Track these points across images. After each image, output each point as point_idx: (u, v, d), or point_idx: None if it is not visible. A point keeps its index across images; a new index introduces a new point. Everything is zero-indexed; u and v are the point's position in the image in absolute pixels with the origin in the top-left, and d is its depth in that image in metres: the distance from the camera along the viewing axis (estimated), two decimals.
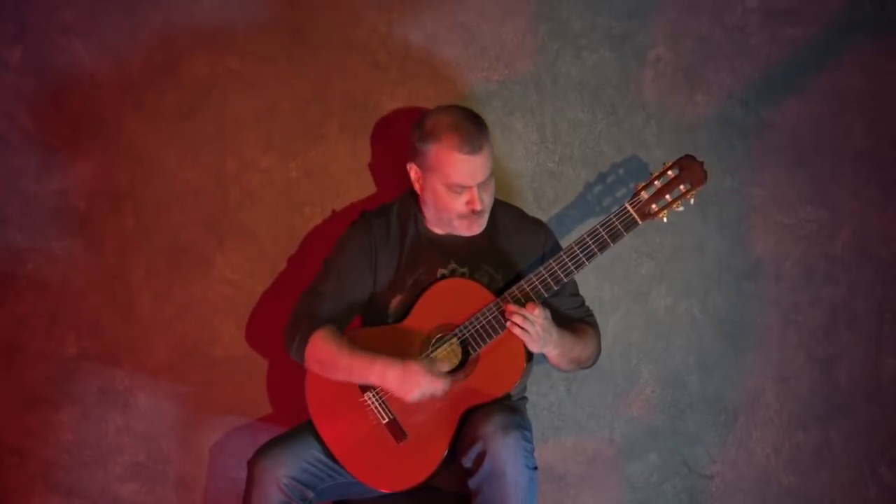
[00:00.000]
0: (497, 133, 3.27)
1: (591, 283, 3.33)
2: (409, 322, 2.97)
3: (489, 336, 2.90)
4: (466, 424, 2.88)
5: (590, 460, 3.45)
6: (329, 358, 2.93)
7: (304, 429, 3.00)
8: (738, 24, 3.34)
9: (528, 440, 2.83)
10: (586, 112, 3.35)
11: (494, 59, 3.33)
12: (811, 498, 3.46)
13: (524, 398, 3.15)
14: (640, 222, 2.89)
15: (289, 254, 3.36)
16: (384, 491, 2.96)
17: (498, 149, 3.24)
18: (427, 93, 3.31)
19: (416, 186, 2.98)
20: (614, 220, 2.89)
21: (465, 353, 2.93)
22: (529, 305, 2.85)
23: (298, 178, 3.35)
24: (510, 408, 2.91)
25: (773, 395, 3.44)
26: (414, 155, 2.95)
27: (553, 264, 2.90)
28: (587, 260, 2.89)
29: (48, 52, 3.29)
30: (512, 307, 2.86)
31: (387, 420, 2.94)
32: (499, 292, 2.93)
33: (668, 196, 2.89)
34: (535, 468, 2.83)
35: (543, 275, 2.90)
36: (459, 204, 2.92)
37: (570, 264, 2.90)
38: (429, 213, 3.00)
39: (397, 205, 3.08)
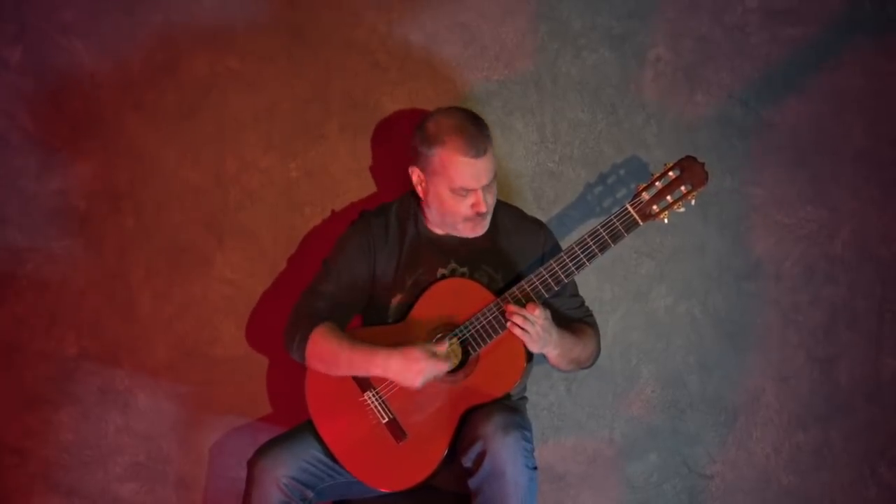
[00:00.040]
0: (497, 133, 3.27)
1: (592, 283, 3.33)
2: (408, 322, 2.97)
3: (489, 336, 2.90)
4: (466, 424, 2.88)
5: (590, 460, 3.45)
6: (330, 354, 2.93)
7: (304, 429, 3.00)
8: (738, 24, 3.34)
9: (528, 440, 2.83)
10: (586, 112, 3.35)
11: (494, 59, 3.33)
12: (811, 498, 3.46)
13: (524, 398, 3.15)
14: (640, 223, 2.89)
15: (289, 254, 3.36)
16: (384, 490, 2.96)
17: (498, 149, 3.24)
18: (427, 93, 3.31)
19: (419, 190, 2.98)
20: (615, 220, 2.89)
21: (466, 353, 2.93)
22: (530, 306, 2.85)
23: (298, 178, 3.35)
24: (510, 408, 2.91)
25: (773, 395, 3.44)
26: (416, 159, 2.95)
27: (553, 265, 2.90)
28: (588, 260, 2.89)
29: (48, 52, 3.29)
30: (512, 307, 2.86)
31: (386, 420, 2.94)
32: (499, 292, 2.93)
33: (669, 197, 2.89)
34: (535, 468, 2.83)
35: (544, 275, 2.90)
36: (465, 207, 2.92)
37: (570, 265, 2.90)
38: (432, 215, 3.00)
39: (397, 205, 3.08)
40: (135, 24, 3.29)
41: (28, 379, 3.38)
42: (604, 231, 2.89)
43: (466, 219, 2.94)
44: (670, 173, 2.89)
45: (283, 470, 2.87)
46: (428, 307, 2.96)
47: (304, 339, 2.95)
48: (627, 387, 3.43)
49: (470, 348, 2.92)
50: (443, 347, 2.87)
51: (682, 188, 2.89)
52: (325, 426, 2.98)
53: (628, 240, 2.92)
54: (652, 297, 3.41)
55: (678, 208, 2.90)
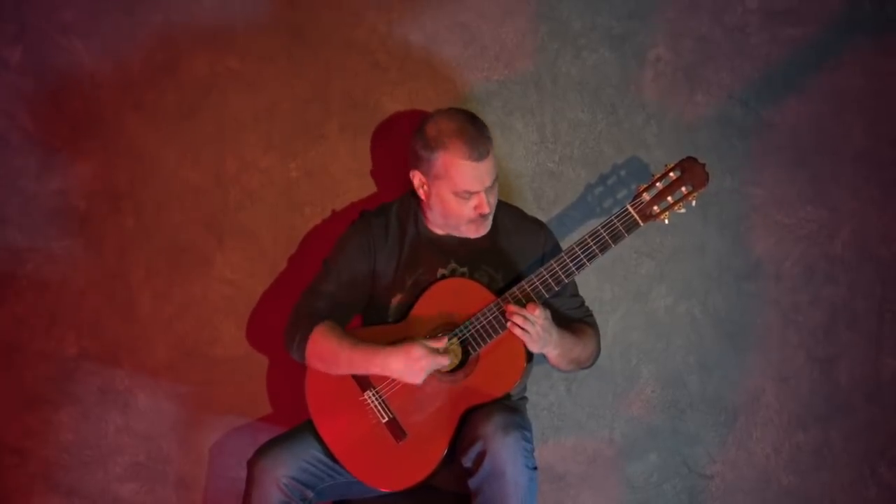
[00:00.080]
0: (497, 133, 3.27)
1: (592, 283, 3.33)
2: (409, 322, 2.97)
3: (489, 336, 2.90)
4: (466, 424, 2.88)
5: (590, 460, 3.45)
6: (330, 353, 2.93)
7: (304, 428, 3.00)
8: (738, 24, 3.34)
9: (528, 440, 2.83)
10: (586, 112, 3.35)
11: (494, 59, 3.33)
12: (811, 498, 3.46)
13: (524, 398, 3.15)
14: (641, 224, 2.89)
15: (289, 254, 3.36)
16: (384, 490, 2.96)
17: (498, 149, 3.23)
18: (427, 93, 3.31)
19: (421, 193, 2.97)
20: (616, 221, 2.89)
21: (466, 353, 2.93)
22: (530, 306, 2.85)
23: (298, 178, 3.35)
24: (510, 408, 2.91)
25: (773, 395, 3.44)
26: (417, 162, 2.94)
27: (554, 265, 2.90)
28: (588, 261, 2.89)
29: (48, 52, 3.29)
30: (512, 307, 2.86)
31: (386, 419, 2.94)
32: (499, 292, 2.93)
33: (669, 198, 2.89)
34: (535, 468, 2.83)
35: (544, 275, 2.90)
36: (468, 209, 2.92)
37: (570, 265, 2.90)
38: (433, 216, 3.00)
39: (397, 205, 3.08)
40: (135, 24, 3.29)
41: (28, 379, 3.38)
42: (604, 231, 2.89)
43: (470, 220, 2.94)
44: (671, 174, 2.89)
45: (283, 470, 2.87)
46: (428, 307, 2.96)
47: (305, 339, 2.95)
48: (627, 387, 3.43)
49: (470, 348, 2.92)
50: (441, 342, 2.87)
51: (683, 189, 2.89)
52: (325, 426, 2.98)
53: (628, 240, 2.92)
54: (652, 297, 3.41)
55: (679, 209, 2.90)
